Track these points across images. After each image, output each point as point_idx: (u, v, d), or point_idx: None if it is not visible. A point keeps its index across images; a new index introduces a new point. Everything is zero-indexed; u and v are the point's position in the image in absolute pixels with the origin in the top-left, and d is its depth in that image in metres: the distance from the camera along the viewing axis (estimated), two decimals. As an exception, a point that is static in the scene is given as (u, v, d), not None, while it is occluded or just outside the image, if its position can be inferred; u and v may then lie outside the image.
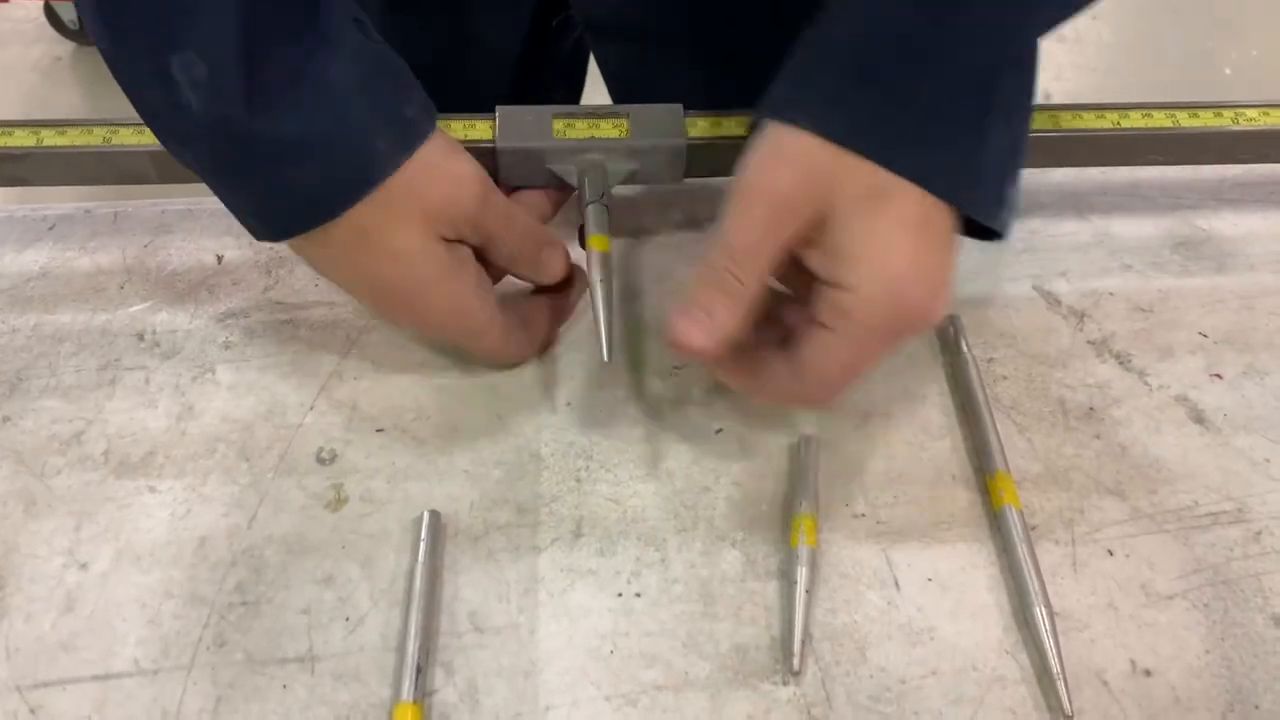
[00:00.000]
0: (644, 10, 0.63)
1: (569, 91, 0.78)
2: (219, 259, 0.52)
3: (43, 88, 2.10)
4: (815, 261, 0.38)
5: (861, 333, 0.38)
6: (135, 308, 0.50)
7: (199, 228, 0.53)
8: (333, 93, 0.39)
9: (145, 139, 0.49)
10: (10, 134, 0.49)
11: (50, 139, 0.49)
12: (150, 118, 0.39)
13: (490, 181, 0.43)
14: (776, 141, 0.39)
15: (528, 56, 0.67)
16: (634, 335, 0.49)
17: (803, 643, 0.38)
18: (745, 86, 0.62)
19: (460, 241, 0.43)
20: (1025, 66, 0.40)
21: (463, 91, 0.51)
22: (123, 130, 0.49)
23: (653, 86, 0.65)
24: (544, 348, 0.48)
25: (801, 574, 0.40)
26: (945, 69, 0.37)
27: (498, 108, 0.49)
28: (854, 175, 0.37)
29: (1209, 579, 0.41)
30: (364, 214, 0.40)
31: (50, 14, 2.11)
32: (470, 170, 0.42)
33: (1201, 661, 0.39)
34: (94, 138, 0.49)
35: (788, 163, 0.38)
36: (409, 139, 0.40)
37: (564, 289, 0.48)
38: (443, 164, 0.41)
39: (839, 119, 0.37)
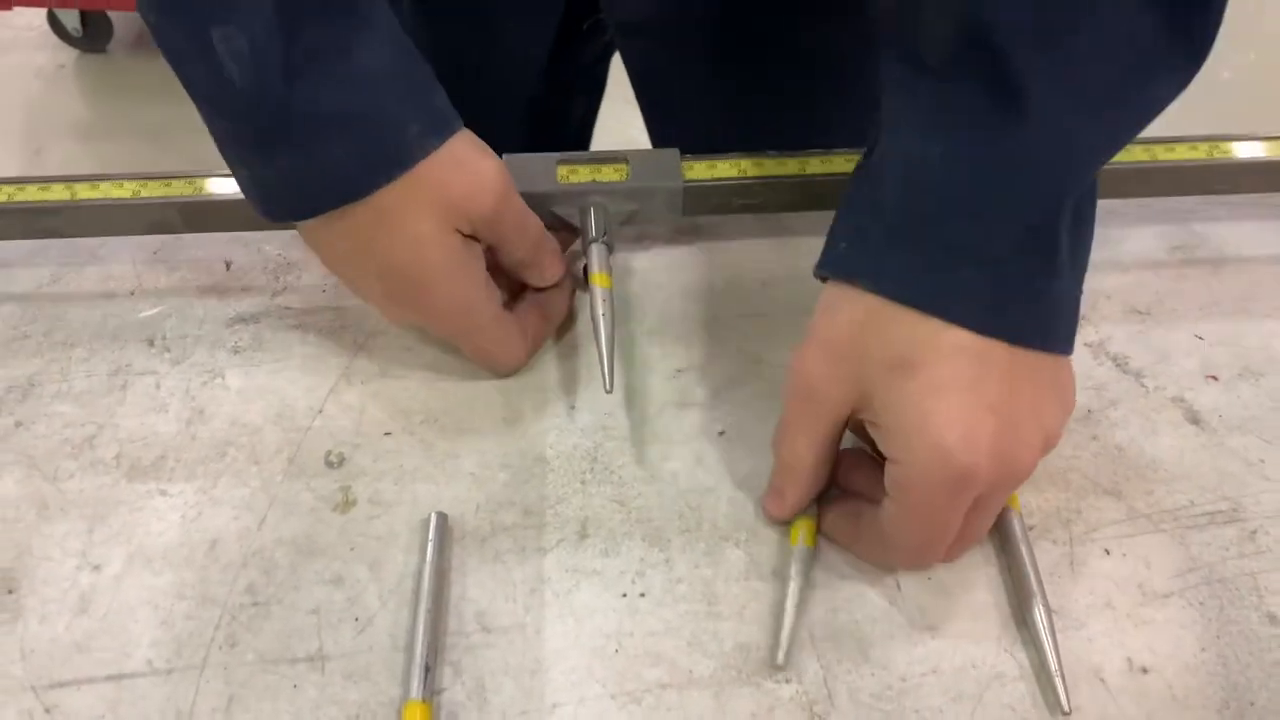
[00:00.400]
0: (680, 10, 0.63)
1: (588, 103, 0.78)
2: (228, 265, 0.53)
3: (46, 95, 2.10)
4: (874, 435, 0.38)
5: (917, 503, 0.37)
6: (145, 313, 0.50)
7: (208, 234, 0.54)
8: (368, 73, 0.40)
9: (172, 191, 0.51)
10: (48, 189, 0.51)
11: (84, 193, 0.51)
12: (192, 89, 0.40)
13: (511, 185, 0.44)
14: (825, 311, 0.39)
15: (553, 63, 0.67)
16: (637, 339, 0.50)
17: (790, 638, 0.39)
18: (771, 88, 0.63)
19: (474, 239, 0.44)
20: (1086, 194, 0.39)
21: (486, 96, 0.51)
22: (151, 184, 0.51)
23: (680, 88, 0.65)
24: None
25: (794, 572, 0.41)
26: (999, 218, 0.36)
27: (504, 155, 0.50)
28: (881, 349, 0.37)
29: (1205, 578, 0.42)
30: (388, 196, 0.41)
31: (54, 21, 2.11)
32: (494, 170, 0.43)
33: (1198, 659, 0.39)
34: (124, 191, 0.51)
35: (820, 347, 0.39)
36: (440, 127, 0.42)
37: (554, 291, 0.49)
38: (469, 159, 0.42)
39: (891, 274, 0.37)
